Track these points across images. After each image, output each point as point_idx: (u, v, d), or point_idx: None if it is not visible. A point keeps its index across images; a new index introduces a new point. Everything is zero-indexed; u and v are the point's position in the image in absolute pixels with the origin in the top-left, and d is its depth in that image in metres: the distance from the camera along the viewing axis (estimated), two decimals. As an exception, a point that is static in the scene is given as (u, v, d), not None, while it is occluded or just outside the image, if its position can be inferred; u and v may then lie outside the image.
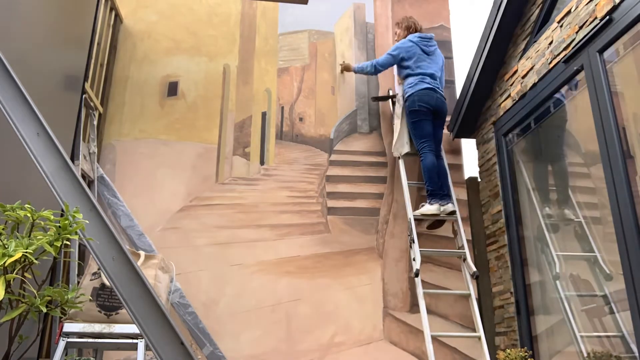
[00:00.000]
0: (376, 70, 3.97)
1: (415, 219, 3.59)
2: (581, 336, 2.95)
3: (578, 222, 3.20)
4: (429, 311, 3.32)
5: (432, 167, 3.60)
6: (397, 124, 3.88)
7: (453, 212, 3.61)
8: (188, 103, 4.10)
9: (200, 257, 3.64)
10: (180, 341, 1.56)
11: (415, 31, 4.00)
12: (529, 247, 3.51)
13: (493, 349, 3.45)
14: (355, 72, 4.12)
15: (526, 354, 2.83)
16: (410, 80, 3.79)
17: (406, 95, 3.78)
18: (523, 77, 3.50)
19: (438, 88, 3.77)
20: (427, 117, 3.69)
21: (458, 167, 4.13)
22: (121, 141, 3.93)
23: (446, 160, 3.88)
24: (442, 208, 3.58)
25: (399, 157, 3.87)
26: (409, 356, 3.57)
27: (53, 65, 3.04)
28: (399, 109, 3.91)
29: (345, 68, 4.22)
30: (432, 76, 3.77)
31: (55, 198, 1.78)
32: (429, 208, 3.58)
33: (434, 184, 3.59)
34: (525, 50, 3.59)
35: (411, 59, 3.82)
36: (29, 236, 1.72)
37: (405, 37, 3.98)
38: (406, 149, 3.80)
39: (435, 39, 4.57)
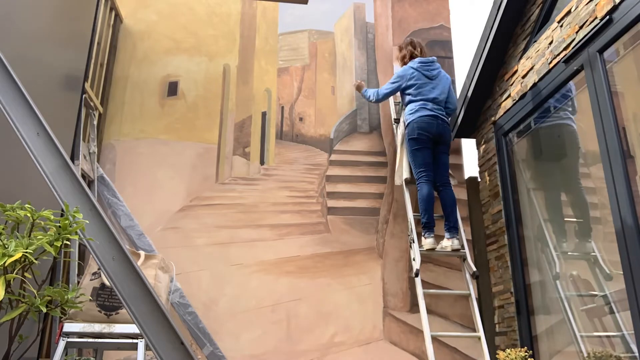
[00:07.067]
0: (377, 100, 3.85)
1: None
2: (581, 336, 2.95)
3: (579, 222, 3.20)
4: (429, 311, 3.32)
5: (428, 198, 3.44)
6: (399, 151, 3.78)
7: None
8: (188, 103, 4.10)
9: (200, 257, 3.65)
10: (180, 341, 1.56)
11: (416, 56, 3.81)
12: (529, 247, 3.50)
13: (493, 349, 3.45)
14: (362, 94, 3.97)
15: (526, 354, 2.83)
16: (412, 106, 3.65)
17: (407, 122, 3.65)
18: (523, 77, 3.50)
19: (441, 114, 3.61)
20: (426, 145, 3.54)
21: (458, 167, 4.13)
22: (121, 141, 3.93)
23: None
24: (446, 243, 3.42)
25: (403, 185, 3.73)
26: (409, 356, 3.58)
27: (53, 65, 3.04)
28: (400, 135, 3.80)
29: (357, 87, 4.03)
30: (434, 101, 3.62)
31: (55, 198, 1.78)
32: (425, 242, 3.40)
33: (428, 216, 3.42)
34: (525, 50, 3.59)
35: (413, 86, 3.68)
36: (29, 236, 1.72)
37: (406, 64, 3.83)
38: (406, 174, 3.67)
39: (435, 39, 4.57)
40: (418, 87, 3.67)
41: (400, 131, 3.84)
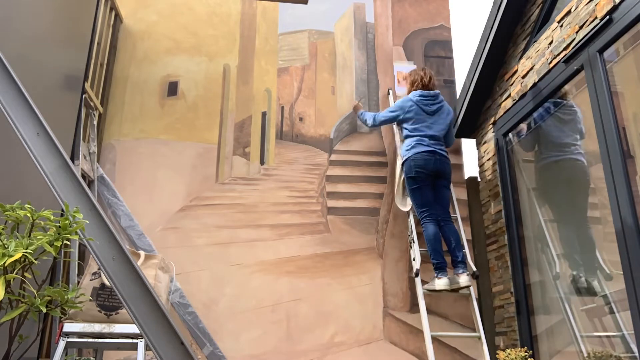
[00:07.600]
0: (373, 125, 3.84)
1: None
2: (581, 336, 2.95)
3: (578, 222, 3.20)
4: (429, 311, 3.32)
5: (435, 238, 3.35)
6: (398, 174, 3.71)
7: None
8: (188, 103, 4.10)
9: (200, 257, 3.65)
10: (180, 341, 1.56)
11: (422, 86, 3.70)
12: (529, 247, 3.50)
13: (493, 349, 3.45)
14: (358, 116, 3.99)
15: (526, 354, 2.83)
16: (408, 142, 3.56)
17: (404, 159, 3.56)
18: (523, 77, 3.50)
19: (439, 149, 3.50)
20: (425, 182, 3.45)
21: (458, 167, 4.12)
22: (121, 141, 3.93)
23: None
24: (455, 281, 3.29)
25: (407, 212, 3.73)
26: (409, 356, 3.57)
27: (53, 65, 3.04)
28: (399, 165, 3.71)
29: (355, 108, 4.08)
30: (432, 137, 3.52)
31: (55, 198, 1.78)
32: (438, 283, 3.29)
33: (438, 256, 3.33)
34: (525, 50, 3.59)
35: (410, 120, 3.58)
36: (29, 236, 1.72)
37: (409, 93, 3.73)
38: (407, 208, 3.64)
39: (435, 39, 4.57)
40: (415, 122, 3.57)
41: (398, 164, 3.74)
